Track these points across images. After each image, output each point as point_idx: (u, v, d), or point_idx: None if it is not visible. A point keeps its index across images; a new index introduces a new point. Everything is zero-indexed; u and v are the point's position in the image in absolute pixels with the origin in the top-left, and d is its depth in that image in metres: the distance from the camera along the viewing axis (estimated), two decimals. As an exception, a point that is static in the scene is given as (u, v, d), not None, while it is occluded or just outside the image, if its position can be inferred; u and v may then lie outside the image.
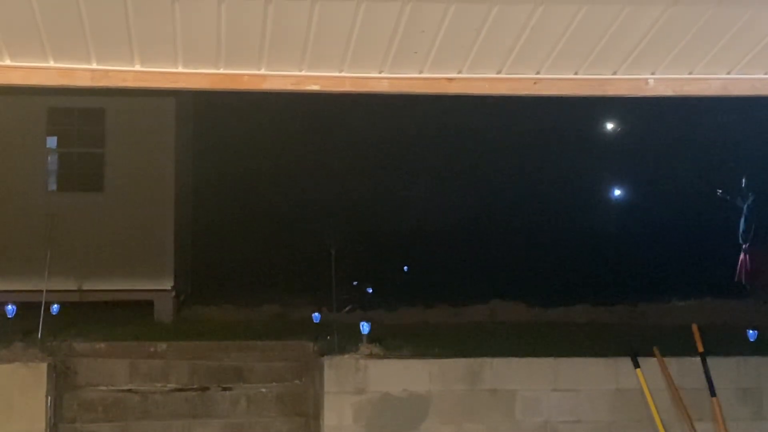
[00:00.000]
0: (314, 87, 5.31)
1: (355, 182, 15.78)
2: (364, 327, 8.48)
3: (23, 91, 10.01)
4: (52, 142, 12.51)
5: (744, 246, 10.42)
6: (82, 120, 12.40)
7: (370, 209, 15.83)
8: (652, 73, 5.45)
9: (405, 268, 16.29)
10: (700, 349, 8.35)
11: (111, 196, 12.22)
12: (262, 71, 5.25)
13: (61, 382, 8.39)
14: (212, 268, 14.59)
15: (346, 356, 8.30)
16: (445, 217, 16.20)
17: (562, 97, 5.50)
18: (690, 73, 5.44)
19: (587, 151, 17.01)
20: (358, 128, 15.74)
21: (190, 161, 14.26)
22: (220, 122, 14.89)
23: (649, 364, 8.33)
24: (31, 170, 12.20)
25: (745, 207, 10.52)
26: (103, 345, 9.32)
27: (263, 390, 8.91)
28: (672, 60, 5.30)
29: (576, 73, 5.41)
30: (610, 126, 18.53)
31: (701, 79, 5.46)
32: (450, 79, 5.36)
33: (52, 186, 12.54)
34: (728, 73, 5.47)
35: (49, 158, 12.50)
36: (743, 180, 10.83)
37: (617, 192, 17.58)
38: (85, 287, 11.72)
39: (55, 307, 9.49)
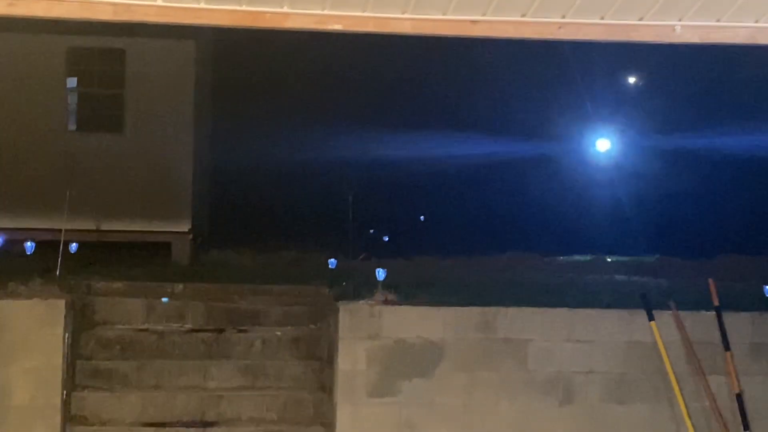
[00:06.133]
0: (337, 26, 5.25)
1: (373, 129, 15.72)
2: (380, 273, 8.46)
3: (44, 29, 10.02)
4: (72, 82, 12.49)
5: None
6: (102, 60, 12.38)
7: (388, 156, 15.78)
8: (680, 20, 5.36)
9: (421, 217, 16.29)
10: (716, 302, 8.32)
11: (130, 138, 12.24)
12: (285, 9, 5.19)
13: (78, 319, 8.45)
14: (230, 212, 14.64)
15: (362, 302, 8.30)
16: (463, 166, 16.15)
17: (586, 42, 5.43)
18: (718, 21, 5.36)
19: (605, 103, 16.87)
20: (377, 73, 15.66)
21: (210, 104, 14.23)
22: (240, 66, 14.85)
23: (664, 317, 8.31)
24: (51, 110, 12.20)
25: None
26: (120, 284, 9.38)
27: (278, 333, 8.93)
28: (700, 6, 5.21)
29: (602, 18, 5.32)
30: (631, 80, 18.34)
31: (729, 27, 5.38)
32: (474, 22, 5.29)
33: (72, 126, 12.55)
34: (756, 22, 5.39)
35: (68, 98, 12.49)
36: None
37: (636, 144, 17.45)
38: (103, 227, 11.79)
39: (73, 246, 9.51)
